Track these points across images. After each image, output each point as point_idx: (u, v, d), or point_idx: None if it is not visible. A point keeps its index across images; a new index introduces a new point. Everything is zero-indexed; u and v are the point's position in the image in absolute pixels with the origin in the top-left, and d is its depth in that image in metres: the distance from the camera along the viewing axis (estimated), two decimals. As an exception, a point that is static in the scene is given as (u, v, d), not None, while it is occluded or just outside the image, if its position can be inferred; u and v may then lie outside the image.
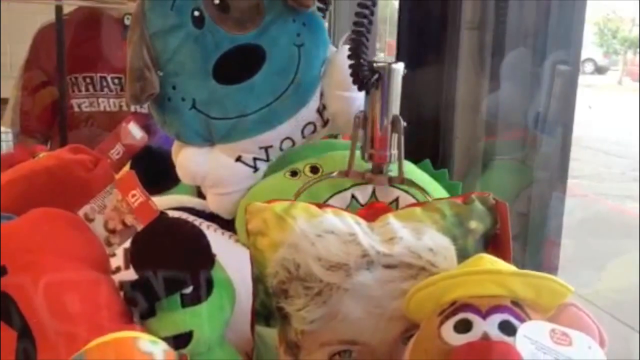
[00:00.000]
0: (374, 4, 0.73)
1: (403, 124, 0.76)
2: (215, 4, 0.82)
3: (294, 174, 0.82)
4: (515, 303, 0.55)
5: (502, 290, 0.55)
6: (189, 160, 0.86)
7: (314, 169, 0.81)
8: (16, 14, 2.02)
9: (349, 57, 0.75)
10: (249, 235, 0.69)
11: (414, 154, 0.84)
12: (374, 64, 0.75)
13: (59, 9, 1.58)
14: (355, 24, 0.73)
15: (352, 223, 0.67)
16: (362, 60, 0.74)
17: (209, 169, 0.86)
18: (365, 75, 0.74)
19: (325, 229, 0.65)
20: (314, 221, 0.66)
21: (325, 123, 0.86)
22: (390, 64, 0.76)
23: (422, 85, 0.92)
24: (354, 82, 0.76)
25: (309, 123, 0.85)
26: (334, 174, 0.78)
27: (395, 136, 0.76)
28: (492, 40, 1.06)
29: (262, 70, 0.82)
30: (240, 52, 0.83)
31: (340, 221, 0.66)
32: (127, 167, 1.04)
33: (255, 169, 0.87)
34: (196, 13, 0.82)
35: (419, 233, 0.66)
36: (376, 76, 0.75)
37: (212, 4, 0.82)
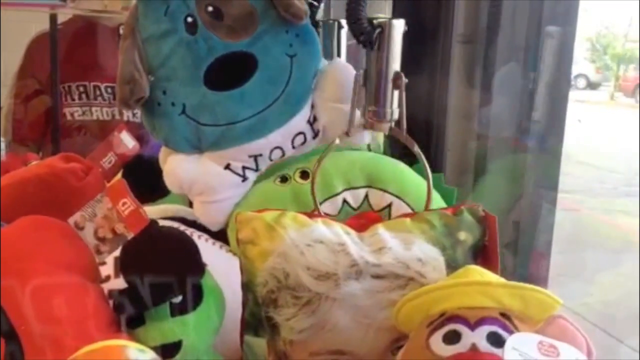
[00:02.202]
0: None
1: (404, 80, 0.76)
2: (209, 11, 0.82)
3: (283, 179, 0.83)
4: (503, 315, 0.55)
5: (491, 302, 0.55)
6: (176, 167, 0.86)
7: (304, 174, 0.82)
8: (10, 22, 2.02)
9: (347, 15, 0.75)
10: (239, 244, 0.69)
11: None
12: (374, 21, 0.76)
13: (53, 18, 1.58)
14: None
15: (342, 233, 0.67)
16: (361, 16, 0.74)
17: (196, 176, 0.85)
18: (367, 31, 0.74)
19: (315, 238, 0.66)
20: (304, 230, 0.67)
21: (316, 134, 0.87)
22: (390, 19, 0.77)
23: (413, 96, 0.92)
24: (356, 39, 0.76)
25: (300, 133, 0.86)
26: (336, 140, 0.79)
27: (397, 93, 0.77)
28: (483, 54, 1.07)
29: (253, 78, 0.82)
30: (233, 60, 0.83)
31: (330, 231, 0.67)
32: (119, 176, 1.04)
33: (244, 178, 0.86)
34: (189, 19, 0.82)
35: (408, 243, 0.66)
36: (378, 30, 0.75)
37: (205, 11, 0.82)
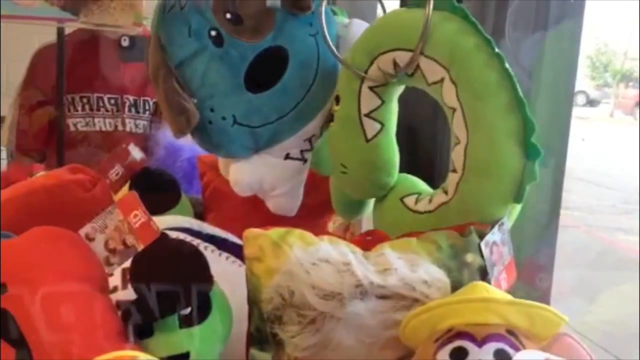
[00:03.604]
0: None
1: None
2: (228, 18, 0.84)
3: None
4: (510, 332, 0.56)
5: (498, 319, 0.56)
6: (242, 173, 0.89)
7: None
8: (14, 33, 2.04)
9: None
10: (245, 259, 0.69)
11: (410, 168, 0.87)
12: None
13: (60, 31, 1.59)
14: None
15: (348, 252, 0.67)
16: None
17: (262, 175, 0.89)
18: None
19: (321, 257, 0.66)
20: (310, 249, 0.67)
21: None
22: None
23: (415, 112, 0.94)
24: None
25: None
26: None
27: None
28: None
29: (289, 68, 0.86)
30: (265, 58, 0.86)
31: (335, 250, 0.67)
32: (126, 188, 1.04)
33: (304, 160, 0.90)
34: (213, 33, 0.84)
35: (413, 265, 0.66)
36: None
37: (225, 20, 0.84)
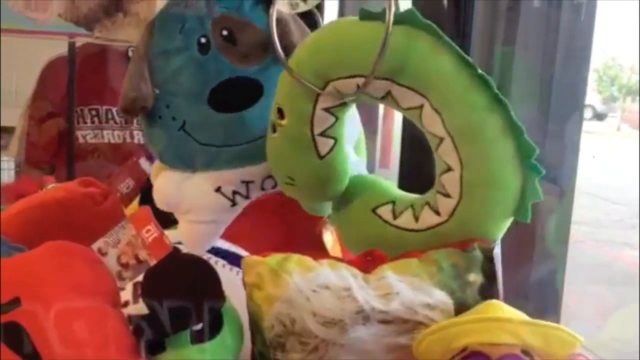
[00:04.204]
0: None
1: None
2: (223, 34, 0.84)
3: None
4: (525, 352, 0.56)
5: (513, 339, 0.56)
6: (167, 183, 0.86)
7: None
8: (22, 44, 2.05)
9: None
10: (245, 286, 0.69)
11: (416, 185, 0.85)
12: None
13: (71, 45, 1.60)
14: None
15: (348, 276, 0.66)
16: None
17: (185, 194, 0.85)
18: None
19: (320, 283, 0.65)
20: (309, 275, 0.66)
21: None
22: None
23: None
24: None
25: None
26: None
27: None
28: (496, 86, 1.08)
29: (256, 104, 0.83)
30: (239, 84, 0.84)
31: (335, 275, 0.66)
32: (136, 201, 1.05)
33: (234, 203, 0.86)
34: (203, 39, 0.83)
35: (415, 288, 0.65)
36: None
37: (220, 34, 0.84)
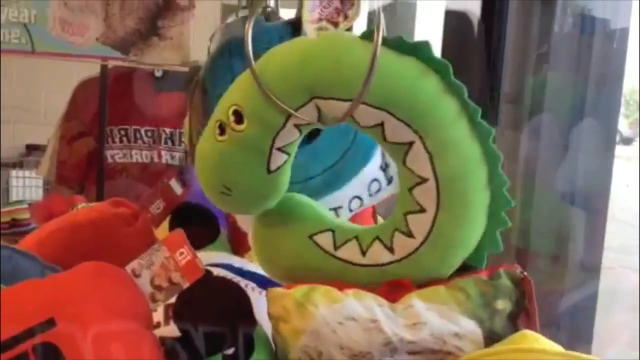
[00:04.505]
0: None
1: None
2: None
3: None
4: (560, 383, 0.55)
5: (548, 370, 0.55)
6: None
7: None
8: (52, 65, 2.09)
9: None
10: (271, 318, 0.67)
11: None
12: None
13: (103, 67, 1.63)
14: None
15: (374, 306, 0.65)
16: None
17: None
18: None
19: (347, 315, 0.64)
20: (335, 307, 0.65)
21: (389, 181, 0.87)
22: None
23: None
24: None
25: (374, 180, 0.86)
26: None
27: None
28: (528, 114, 1.08)
29: (323, 133, 0.84)
30: None
31: (361, 306, 0.65)
32: (166, 222, 1.05)
33: None
34: None
35: (444, 317, 0.64)
36: None
37: None
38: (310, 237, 0.71)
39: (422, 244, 0.66)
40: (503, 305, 0.66)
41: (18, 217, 1.39)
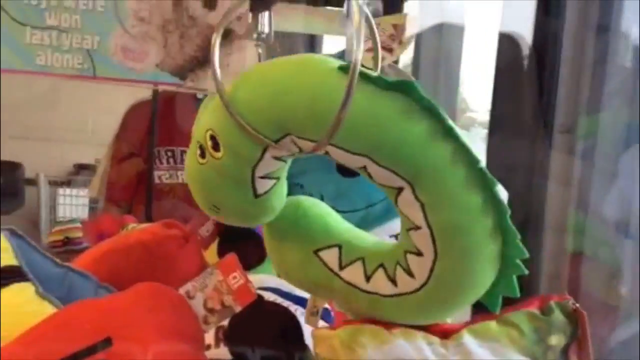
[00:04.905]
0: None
1: None
2: None
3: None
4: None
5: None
6: None
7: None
8: (99, 88, 2.14)
9: None
10: (317, 358, 0.65)
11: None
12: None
13: (155, 92, 1.67)
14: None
15: (424, 345, 0.63)
16: None
17: None
18: None
19: (397, 357, 0.62)
20: (384, 348, 0.62)
21: None
22: None
23: (514, 184, 0.92)
24: None
25: None
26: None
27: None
28: (582, 144, 1.07)
29: None
30: None
31: (411, 347, 0.62)
32: (215, 245, 1.06)
33: None
34: None
35: (497, 355, 0.62)
36: None
37: None
38: (316, 252, 0.66)
39: (422, 286, 0.60)
40: (557, 340, 0.64)
41: (71, 235, 1.43)
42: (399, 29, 0.88)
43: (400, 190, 0.58)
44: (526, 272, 0.60)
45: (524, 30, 1.11)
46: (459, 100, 1.75)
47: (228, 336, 0.67)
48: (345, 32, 0.77)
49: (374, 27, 0.64)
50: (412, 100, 0.55)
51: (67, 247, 1.30)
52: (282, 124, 0.58)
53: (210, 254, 1.01)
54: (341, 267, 0.65)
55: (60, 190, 3.29)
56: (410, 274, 0.60)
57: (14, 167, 3.38)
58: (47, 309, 0.72)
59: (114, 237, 0.99)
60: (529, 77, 1.02)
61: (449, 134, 0.55)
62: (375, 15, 0.94)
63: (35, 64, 1.38)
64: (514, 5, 1.18)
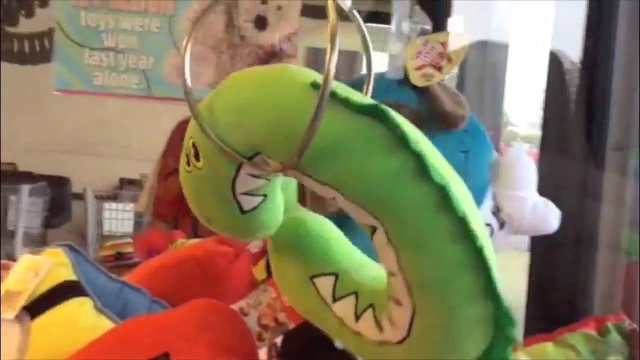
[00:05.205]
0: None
1: None
2: None
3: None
4: None
5: None
6: None
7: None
8: (143, 105, 2.18)
9: None
10: None
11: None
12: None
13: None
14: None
15: None
16: None
17: None
18: None
19: None
20: None
21: (502, 225, 0.86)
22: None
23: (565, 204, 0.91)
24: None
25: (486, 225, 0.85)
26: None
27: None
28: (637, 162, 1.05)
29: None
30: None
31: None
32: (263, 261, 1.07)
33: None
34: None
35: None
36: None
37: None
38: (312, 277, 0.60)
39: (404, 339, 0.53)
40: None
41: (122, 250, 1.46)
42: (446, 46, 0.89)
43: (374, 229, 0.50)
44: (519, 341, 0.58)
45: (574, 47, 1.10)
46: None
47: (281, 353, 0.67)
48: (389, 49, 0.78)
49: (364, 30, 0.56)
50: (387, 129, 0.48)
51: (118, 262, 1.32)
52: (251, 143, 0.52)
53: (259, 269, 1.02)
54: (334, 299, 0.59)
55: (107, 205, 3.36)
56: (392, 323, 0.53)
57: (62, 182, 3.46)
58: (104, 323, 0.73)
59: (165, 253, 1.01)
60: (580, 95, 1.01)
61: (427, 174, 0.47)
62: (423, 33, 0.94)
63: (92, 85, 1.42)
64: (563, 22, 1.18)
